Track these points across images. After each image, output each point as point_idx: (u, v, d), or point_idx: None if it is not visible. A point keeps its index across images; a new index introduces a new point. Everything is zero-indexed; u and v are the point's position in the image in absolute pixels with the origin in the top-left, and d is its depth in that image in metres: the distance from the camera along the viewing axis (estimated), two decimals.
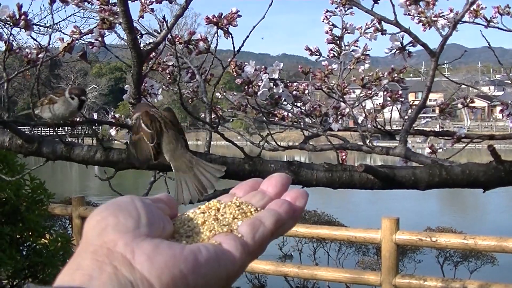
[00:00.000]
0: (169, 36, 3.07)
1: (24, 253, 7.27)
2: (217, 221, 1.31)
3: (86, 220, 1.15)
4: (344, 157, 3.36)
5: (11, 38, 2.99)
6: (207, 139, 3.33)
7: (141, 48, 2.54)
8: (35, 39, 3.20)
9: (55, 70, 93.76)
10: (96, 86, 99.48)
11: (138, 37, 3.19)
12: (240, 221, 1.30)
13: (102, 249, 1.09)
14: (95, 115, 3.77)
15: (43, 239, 7.47)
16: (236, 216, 1.33)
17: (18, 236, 7.13)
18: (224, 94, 3.90)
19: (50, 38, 3.05)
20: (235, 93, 3.89)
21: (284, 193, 1.43)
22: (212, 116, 3.47)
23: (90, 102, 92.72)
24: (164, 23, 2.83)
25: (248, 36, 3.08)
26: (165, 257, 1.09)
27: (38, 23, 10.84)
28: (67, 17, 12.89)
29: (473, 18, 3.32)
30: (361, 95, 3.79)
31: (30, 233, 7.28)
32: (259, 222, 1.28)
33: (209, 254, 1.15)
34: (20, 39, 11.01)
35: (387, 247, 9.44)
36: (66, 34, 3.17)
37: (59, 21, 12.41)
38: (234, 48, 3.23)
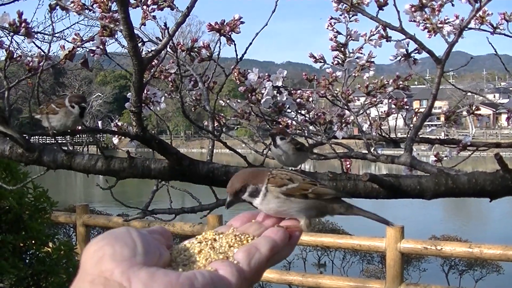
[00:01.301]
0: (171, 43, 3.05)
1: (27, 261, 7.27)
2: (213, 249, 1.32)
3: (84, 250, 1.17)
4: (348, 165, 3.33)
5: (15, 46, 2.98)
6: (210, 147, 3.30)
7: (143, 55, 2.50)
8: (39, 47, 3.18)
9: (59, 78, 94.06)
10: (100, 94, 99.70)
11: (140, 44, 3.17)
12: (236, 249, 1.31)
13: (99, 278, 1.11)
14: (99, 123, 3.76)
15: (46, 248, 7.47)
16: (232, 245, 1.34)
17: (21, 245, 7.13)
18: (228, 102, 3.87)
19: (50, 46, 3.03)
20: (239, 101, 3.87)
21: (280, 223, 1.48)
22: (215, 125, 3.44)
23: (94, 110, 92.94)
24: (166, 30, 2.80)
25: (251, 43, 3.06)
26: (161, 285, 1.10)
27: (42, 31, 10.85)
28: (71, 25, 12.92)
29: (479, 25, 3.28)
30: (366, 102, 3.76)
31: (33, 242, 7.29)
32: (255, 249, 1.30)
33: (205, 280, 1.15)
34: (24, 47, 11.02)
35: (392, 255, 9.42)
36: (69, 42, 3.15)
37: (63, 29, 12.44)
38: (237, 55, 3.21)
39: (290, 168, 3.00)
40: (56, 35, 11.73)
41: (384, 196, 2.88)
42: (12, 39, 3.03)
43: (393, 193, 2.86)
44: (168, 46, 3.02)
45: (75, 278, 1.15)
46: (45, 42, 9.71)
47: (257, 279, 1.32)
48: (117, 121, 3.42)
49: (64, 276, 7.19)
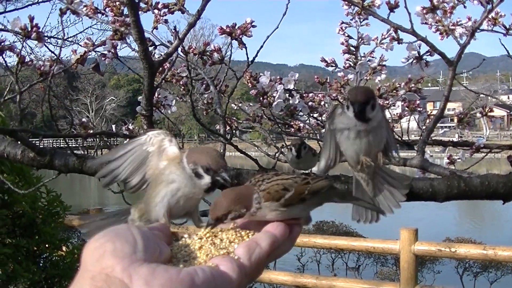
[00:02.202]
0: (182, 47, 3.05)
1: (41, 265, 7.29)
2: (214, 245, 1.33)
3: (85, 247, 1.18)
4: None
5: (28, 51, 2.99)
6: (221, 150, 3.30)
7: (154, 59, 2.51)
8: (52, 51, 3.19)
9: (73, 82, 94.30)
10: (114, 98, 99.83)
11: (152, 48, 3.17)
12: (237, 244, 1.32)
13: (100, 274, 1.11)
14: (113, 127, 3.76)
15: (59, 251, 7.49)
16: (232, 240, 1.36)
17: (34, 249, 7.15)
18: (240, 105, 3.87)
19: (60, 50, 3.04)
20: (251, 104, 3.86)
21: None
22: (227, 128, 3.44)
23: (108, 114, 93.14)
24: (176, 34, 2.81)
25: (262, 46, 3.06)
26: (162, 281, 1.11)
27: (55, 36, 10.89)
28: (84, 30, 12.96)
29: (492, 26, 3.27)
30: None
31: (47, 245, 7.31)
32: (255, 244, 1.31)
33: (206, 275, 1.16)
34: (38, 51, 11.07)
35: (406, 257, 9.39)
36: (81, 45, 3.16)
37: (76, 34, 12.48)
38: (248, 58, 3.20)
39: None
40: (69, 39, 11.79)
41: None
42: (26, 44, 3.04)
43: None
44: (179, 50, 3.02)
45: (75, 276, 1.16)
46: (59, 46, 9.77)
47: (258, 274, 1.33)
48: (129, 125, 3.43)
49: None
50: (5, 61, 3.03)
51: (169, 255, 1.29)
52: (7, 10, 12.30)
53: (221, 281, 1.19)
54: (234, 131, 3.86)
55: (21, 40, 2.95)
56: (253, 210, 1.46)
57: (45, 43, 3.08)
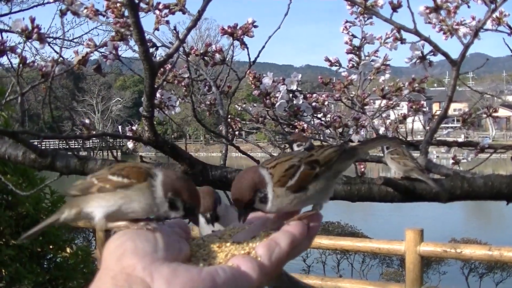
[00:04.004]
0: (183, 48, 3.05)
1: (45, 266, 7.28)
2: (234, 244, 1.32)
3: (105, 245, 1.18)
4: (363, 169, 3.30)
5: (34, 51, 2.99)
6: (223, 151, 3.29)
7: (155, 60, 2.50)
8: (56, 52, 3.18)
9: (79, 83, 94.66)
10: (120, 99, 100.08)
11: (153, 49, 3.16)
12: (256, 244, 1.30)
13: (121, 274, 1.11)
14: (119, 127, 3.76)
15: (63, 253, 7.48)
16: (251, 240, 1.34)
17: (38, 250, 7.13)
18: (244, 106, 3.86)
19: (61, 50, 3.02)
20: (254, 105, 3.86)
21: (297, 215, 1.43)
22: (229, 129, 3.43)
23: (114, 115, 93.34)
24: (177, 35, 2.80)
25: (263, 47, 3.05)
26: (183, 281, 1.10)
27: (59, 37, 10.90)
28: (89, 31, 12.99)
29: (496, 26, 3.25)
30: (382, 105, 3.74)
31: (51, 247, 7.29)
32: (275, 243, 1.29)
33: (227, 276, 1.16)
34: (43, 53, 11.08)
35: (411, 258, 9.39)
36: (85, 46, 3.15)
37: (81, 35, 12.51)
38: (249, 59, 3.20)
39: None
40: (74, 40, 11.81)
41: (399, 200, 2.86)
42: (31, 45, 3.04)
43: (408, 197, 2.84)
44: (180, 51, 3.01)
45: (96, 274, 1.16)
46: (64, 47, 9.79)
47: (276, 273, 1.32)
48: (132, 126, 3.42)
49: (81, 281, 7.20)
50: (10, 62, 3.02)
51: (188, 253, 1.28)
52: (12, 11, 12.34)
53: (241, 282, 1.19)
54: (237, 132, 3.85)
55: (25, 41, 2.94)
56: (271, 193, 1.40)
57: (50, 44, 3.07)
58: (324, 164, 1.46)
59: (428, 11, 3.14)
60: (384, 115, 3.81)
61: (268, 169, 1.44)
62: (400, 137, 3.69)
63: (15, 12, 12.08)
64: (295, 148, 3.04)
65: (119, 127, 3.70)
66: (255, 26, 3.21)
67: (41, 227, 1.55)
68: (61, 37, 10.58)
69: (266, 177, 1.42)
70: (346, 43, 3.64)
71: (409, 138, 3.72)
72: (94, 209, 1.35)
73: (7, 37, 2.91)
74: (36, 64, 3.06)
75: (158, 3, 3.12)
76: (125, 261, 1.13)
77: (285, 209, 1.43)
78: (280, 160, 1.46)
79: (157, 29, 3.17)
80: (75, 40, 12.52)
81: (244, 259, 1.24)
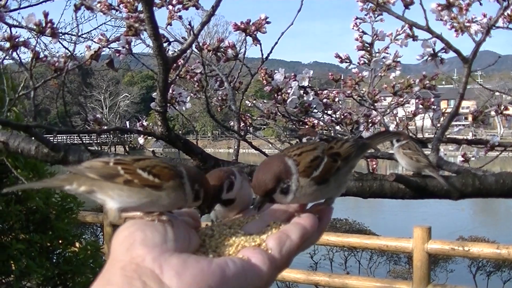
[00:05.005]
0: (196, 43, 3.06)
1: (54, 261, 7.28)
2: (244, 235, 1.30)
3: (114, 235, 1.17)
4: (374, 165, 3.31)
5: (43, 47, 2.99)
6: (235, 147, 3.29)
7: (168, 55, 2.50)
8: (66, 48, 3.19)
9: (87, 79, 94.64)
10: (128, 95, 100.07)
11: (166, 44, 3.17)
12: (266, 235, 1.29)
13: (130, 264, 1.10)
14: (127, 123, 3.77)
15: (73, 247, 7.49)
16: (261, 231, 1.32)
17: (48, 244, 7.15)
18: (254, 102, 3.86)
19: (75, 46, 3.03)
20: (265, 101, 3.86)
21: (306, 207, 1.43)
22: (241, 125, 3.43)
23: (122, 111, 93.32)
24: (191, 30, 2.80)
25: (276, 43, 3.05)
26: (193, 272, 1.09)
27: (69, 32, 10.91)
28: (98, 26, 13.00)
29: (507, 23, 3.24)
30: (392, 102, 3.74)
31: (60, 241, 7.30)
32: (286, 236, 1.27)
33: (237, 268, 1.15)
34: (52, 48, 11.09)
35: (419, 256, 9.36)
36: (95, 42, 3.16)
37: (91, 30, 12.52)
38: (262, 55, 3.20)
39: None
40: (84, 35, 11.83)
41: (411, 197, 2.86)
42: (40, 40, 3.05)
43: (419, 194, 2.84)
44: (193, 46, 3.02)
45: (105, 264, 1.15)
46: (73, 42, 9.80)
47: (287, 266, 1.31)
48: (143, 121, 3.43)
49: (90, 276, 7.21)
50: (20, 58, 3.03)
51: (198, 243, 1.27)
52: (21, 6, 12.35)
53: (251, 274, 1.18)
54: (248, 128, 3.86)
55: (35, 36, 2.95)
56: (295, 184, 1.36)
57: (59, 40, 3.08)
58: (344, 158, 1.45)
59: (440, 8, 3.14)
60: (394, 112, 3.81)
61: (293, 157, 1.40)
62: (410, 134, 3.70)
63: (24, 8, 12.07)
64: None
65: (127, 122, 3.71)
66: (268, 22, 3.21)
67: (43, 185, 1.52)
68: (74, 32, 10.59)
69: (292, 167, 1.38)
70: (357, 39, 3.63)
71: (418, 135, 3.72)
72: (111, 200, 1.31)
73: (16, 32, 2.91)
74: (48, 59, 3.07)
75: None
76: (134, 252, 1.13)
77: (304, 200, 1.41)
78: (305, 149, 1.43)
79: (169, 24, 3.18)
80: (84, 36, 12.52)
81: (255, 251, 1.23)
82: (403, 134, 3.12)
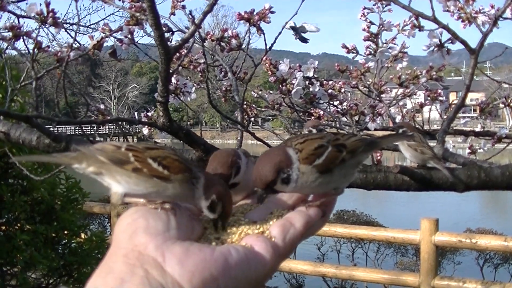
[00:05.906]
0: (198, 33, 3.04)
1: (59, 252, 7.30)
2: (248, 222, 1.29)
3: (117, 223, 1.17)
4: (379, 157, 3.28)
5: (50, 37, 2.97)
6: (238, 138, 3.27)
7: (171, 45, 2.48)
8: (73, 37, 3.17)
9: (95, 69, 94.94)
10: (136, 85, 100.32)
11: (169, 34, 3.15)
12: (270, 223, 1.27)
13: (133, 252, 1.10)
14: (135, 114, 3.76)
15: (78, 238, 7.51)
16: (265, 218, 1.30)
17: (53, 235, 7.16)
18: (260, 92, 3.85)
19: (75, 35, 3.02)
20: (271, 92, 3.84)
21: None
22: (245, 116, 3.41)
23: (130, 101, 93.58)
24: (193, 19, 2.78)
25: (280, 33, 3.04)
26: (195, 261, 1.09)
27: (75, 23, 10.90)
28: (106, 17, 12.97)
29: None
30: (399, 94, 3.72)
31: (65, 232, 7.32)
32: (290, 223, 1.26)
33: (240, 256, 1.14)
34: (60, 38, 11.08)
35: (426, 248, 9.35)
36: (101, 31, 3.15)
37: (98, 21, 12.50)
38: (266, 45, 3.18)
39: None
40: (91, 26, 11.83)
41: (415, 189, 2.83)
42: (48, 30, 3.03)
43: (424, 186, 2.82)
44: (196, 36, 2.99)
45: (107, 251, 1.15)
46: (80, 33, 9.75)
47: (290, 254, 1.30)
48: (148, 112, 3.41)
49: (96, 267, 7.22)
50: (27, 47, 3.02)
51: (201, 231, 1.27)
52: None
53: (254, 262, 1.17)
54: (253, 119, 3.84)
55: (42, 26, 2.93)
56: (296, 173, 1.34)
57: (67, 30, 3.06)
58: (350, 150, 1.42)
59: None
60: (401, 103, 3.79)
61: (295, 146, 1.38)
62: (417, 126, 3.67)
63: None
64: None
65: (135, 113, 3.70)
66: (272, 12, 3.18)
67: (51, 160, 1.51)
68: (81, 22, 10.57)
69: (292, 156, 1.36)
70: (364, 30, 3.61)
71: (425, 127, 3.70)
72: (118, 184, 1.30)
73: (24, 22, 2.89)
74: (51, 49, 3.05)
75: None
76: (137, 239, 1.12)
77: (306, 189, 1.38)
78: (309, 137, 1.42)
79: (173, 13, 3.16)
80: (91, 26, 12.53)
81: (258, 239, 1.22)
82: (409, 126, 3.10)
